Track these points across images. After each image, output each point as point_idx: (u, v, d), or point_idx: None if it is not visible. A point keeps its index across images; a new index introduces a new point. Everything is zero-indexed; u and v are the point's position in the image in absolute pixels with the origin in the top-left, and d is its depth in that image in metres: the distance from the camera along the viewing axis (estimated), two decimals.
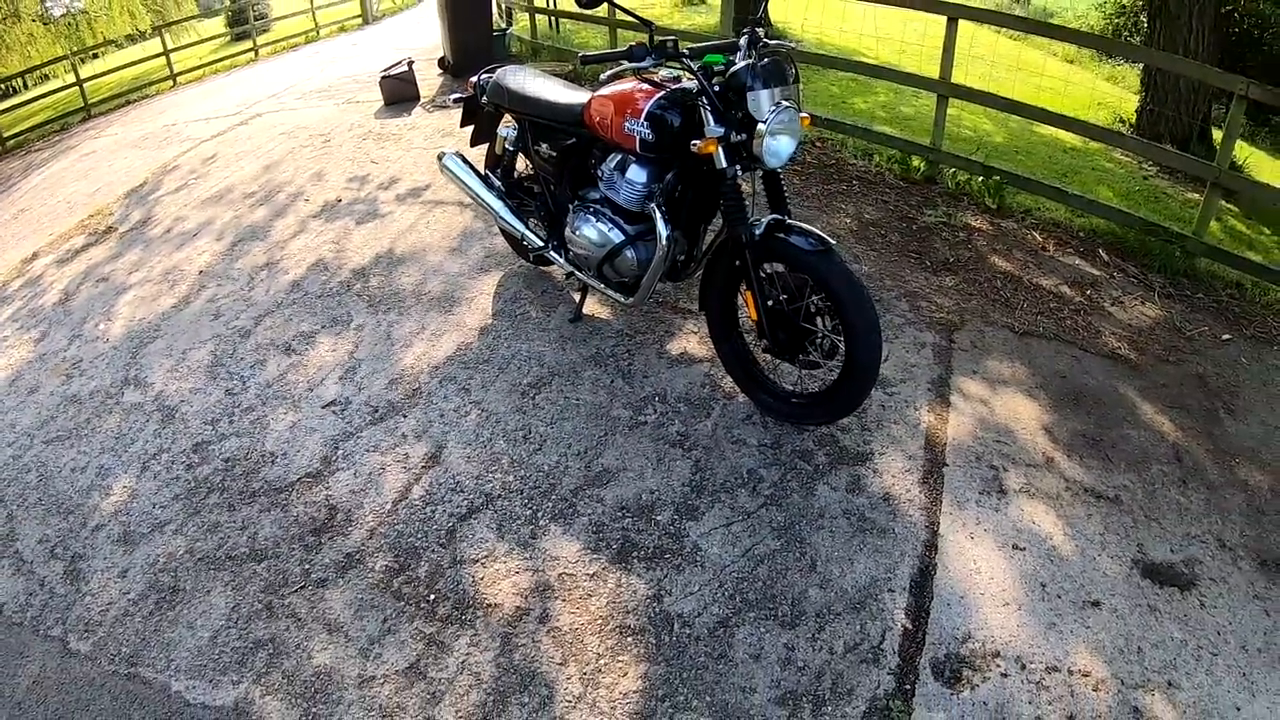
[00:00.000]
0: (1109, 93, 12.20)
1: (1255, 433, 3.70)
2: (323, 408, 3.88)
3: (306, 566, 3.08)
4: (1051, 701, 2.48)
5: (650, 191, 3.38)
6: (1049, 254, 5.18)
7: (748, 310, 3.28)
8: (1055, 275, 4.87)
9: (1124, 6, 14.31)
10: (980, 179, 5.87)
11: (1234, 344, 4.40)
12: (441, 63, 9.82)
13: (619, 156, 3.47)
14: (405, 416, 3.74)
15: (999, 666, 2.57)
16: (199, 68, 17.73)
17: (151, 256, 5.95)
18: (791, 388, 3.51)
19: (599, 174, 3.58)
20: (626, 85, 3.39)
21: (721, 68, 3.10)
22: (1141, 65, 10.15)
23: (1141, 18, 11.92)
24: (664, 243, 3.30)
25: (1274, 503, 3.31)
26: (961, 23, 5.71)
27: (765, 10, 3.31)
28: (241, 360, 4.35)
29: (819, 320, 3.18)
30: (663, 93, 3.23)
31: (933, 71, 5.99)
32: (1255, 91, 4.72)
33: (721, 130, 3.00)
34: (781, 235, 3.08)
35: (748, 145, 3.03)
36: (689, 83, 3.21)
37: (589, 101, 3.55)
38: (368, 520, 3.23)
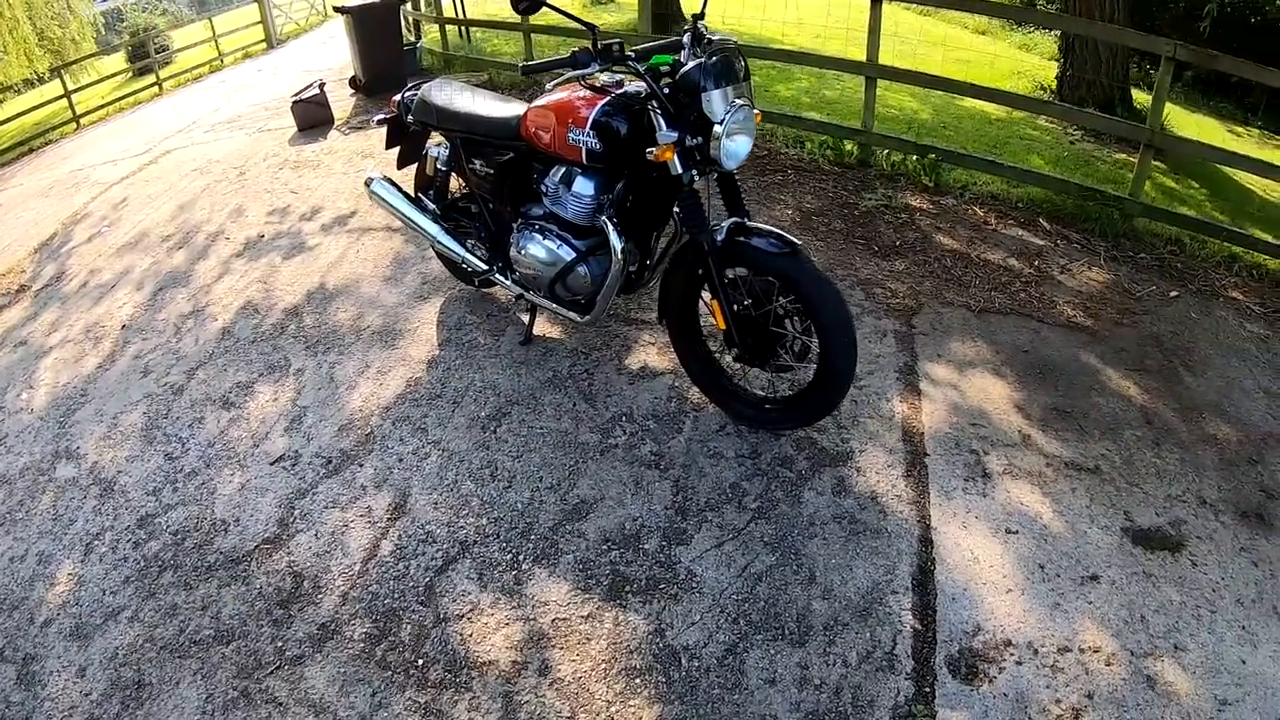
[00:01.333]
0: (1026, 60, 12.32)
1: (1216, 385, 3.76)
2: (271, 464, 3.65)
3: (279, 644, 2.87)
4: (1068, 683, 2.46)
5: (600, 204, 3.22)
6: (992, 228, 5.16)
7: (714, 319, 3.14)
8: (1001, 249, 4.85)
9: None
10: (915, 158, 5.83)
11: (1182, 299, 4.45)
12: (353, 82, 9.55)
13: (563, 169, 3.30)
14: (361, 465, 3.53)
15: (1012, 655, 2.53)
16: (102, 106, 17.06)
17: (70, 314, 5.63)
18: (763, 393, 3.39)
19: (542, 189, 3.40)
20: (565, 94, 3.22)
21: (668, 68, 2.95)
22: (1060, 32, 10.21)
23: None
24: (619, 256, 3.15)
25: (1243, 453, 3.35)
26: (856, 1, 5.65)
27: (705, 5, 3.15)
28: (178, 420, 4.10)
29: (788, 323, 3.06)
30: (607, 99, 3.07)
31: (854, 54, 5.93)
32: (1183, 53, 4.74)
33: (675, 135, 2.86)
34: (743, 239, 2.96)
35: (703, 148, 2.89)
36: (633, 86, 3.07)
37: (525, 113, 3.38)
38: (338, 585, 3.02)
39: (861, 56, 5.78)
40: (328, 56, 13.51)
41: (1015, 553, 2.85)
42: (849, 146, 6.15)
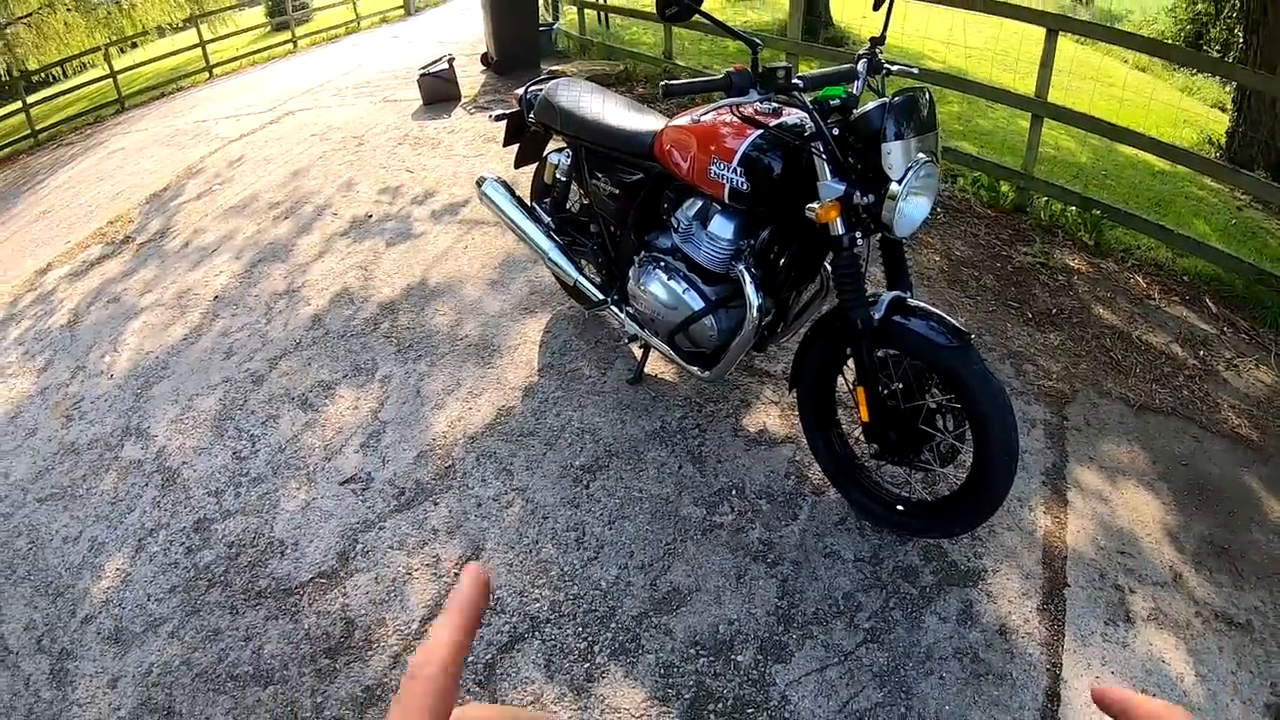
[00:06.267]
0: (1189, 108, 11.48)
1: None
2: (340, 484, 3.35)
3: (319, 699, 2.56)
4: None
5: (738, 249, 2.76)
6: (1155, 303, 4.60)
7: (857, 407, 2.67)
8: (1164, 331, 4.29)
9: (1198, 12, 13.57)
10: (1075, 210, 5.27)
11: None
12: (484, 59, 9.29)
13: (700, 203, 2.85)
14: (436, 504, 3.19)
15: None
16: (236, 59, 17.29)
17: (166, 275, 5.48)
18: (897, 492, 2.92)
19: (673, 221, 2.96)
20: (712, 116, 2.73)
21: (839, 102, 2.49)
22: (1235, 84, 9.41)
23: (1236, 30, 11.19)
24: (754, 314, 2.69)
25: None
26: (1015, 24, 5.12)
27: (886, 27, 2.68)
28: (252, 414, 3.85)
29: (939, 419, 2.59)
30: (761, 130, 2.59)
31: (1006, 80, 5.39)
32: None
33: (842, 189, 2.40)
34: (902, 319, 2.48)
35: (874, 208, 2.40)
36: (793, 116, 2.58)
37: (662, 131, 2.95)
38: (390, 643, 2.69)
39: (1016, 84, 5.24)
40: (464, 28, 13.33)
41: None
42: (1005, 189, 5.62)
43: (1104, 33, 5.74)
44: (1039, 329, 4.17)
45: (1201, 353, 4.16)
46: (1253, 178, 5.30)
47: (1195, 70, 14.04)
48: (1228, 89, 9.44)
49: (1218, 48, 12.76)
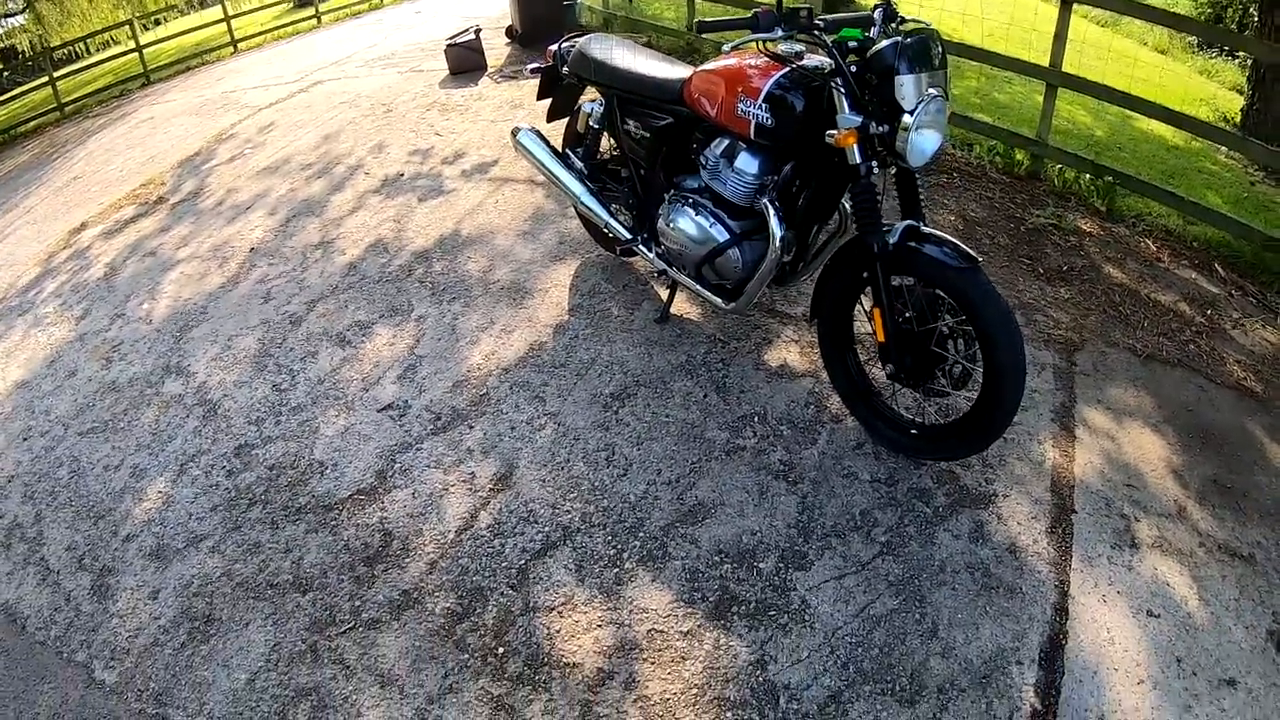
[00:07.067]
0: (1207, 88, 11.50)
1: None
2: (379, 411, 3.50)
3: (357, 603, 2.71)
4: None
5: (762, 184, 2.91)
6: (1164, 266, 4.68)
7: (874, 328, 2.80)
8: (1173, 291, 4.38)
9: None
10: (1089, 178, 5.37)
11: None
12: (509, 31, 9.42)
13: (727, 142, 2.99)
14: (471, 427, 3.33)
15: None
16: (260, 34, 17.42)
17: (201, 230, 5.63)
18: (911, 417, 3.06)
19: (701, 161, 3.10)
20: (738, 60, 2.91)
21: (856, 44, 2.62)
22: (1250, 60, 9.45)
23: (1251, 8, 11.20)
24: (777, 245, 2.85)
25: None
26: (1045, 5, 5.19)
27: None
28: (291, 351, 3.99)
29: (952, 344, 2.72)
30: (785, 70, 2.74)
31: (1027, 56, 5.47)
32: None
33: (859, 120, 2.54)
34: (917, 245, 2.62)
35: (888, 139, 2.55)
36: (814, 59, 2.73)
37: (691, 77, 3.10)
38: (427, 551, 2.84)
39: (1037, 60, 5.33)
40: (487, 3, 13.37)
41: (1153, 639, 2.49)
42: (1020, 156, 5.70)
43: (1119, 4, 5.80)
44: (1049, 284, 4.27)
45: (1209, 311, 4.24)
46: (1263, 146, 5.37)
47: (1214, 51, 14.06)
48: (1245, 70, 9.46)
49: (1234, 27, 12.77)
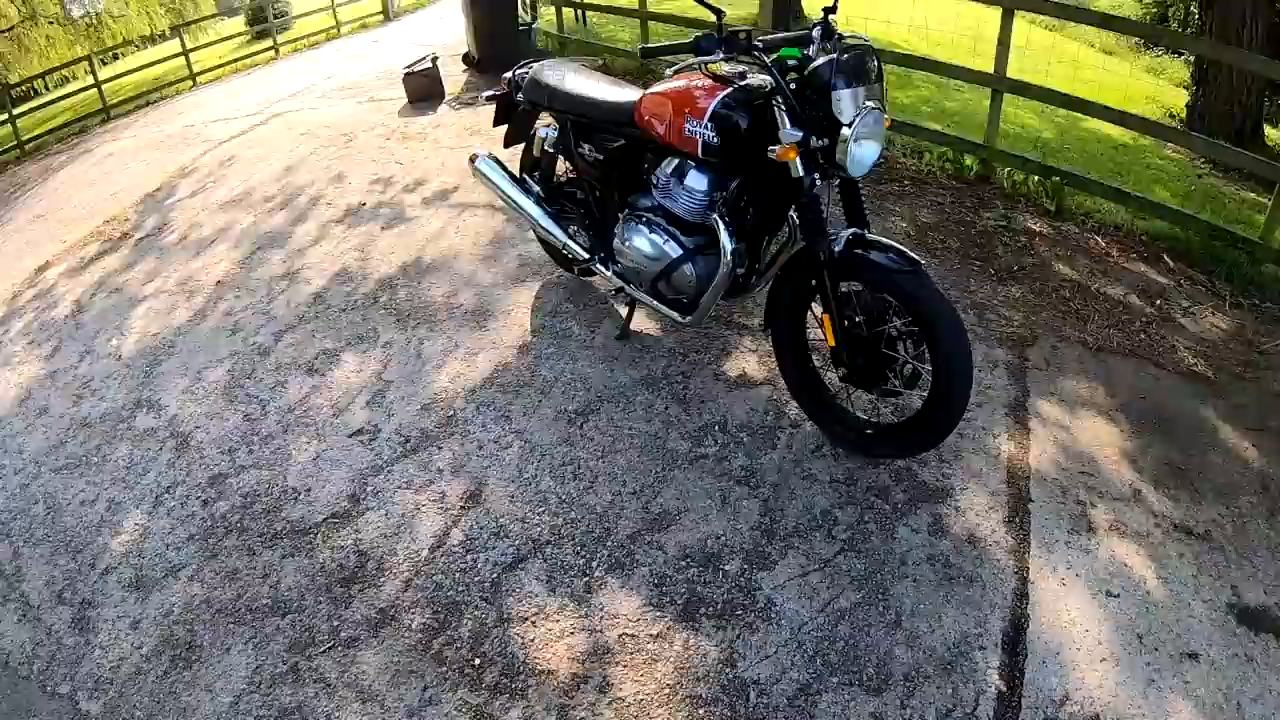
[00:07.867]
0: (1153, 86, 11.78)
1: None
2: (349, 437, 3.57)
3: (335, 623, 2.77)
4: None
5: (712, 200, 3.03)
6: (1113, 261, 4.83)
7: (823, 334, 2.93)
8: (1122, 284, 4.53)
9: None
10: (1037, 179, 5.53)
11: None
12: (466, 58, 9.53)
13: (677, 161, 3.11)
14: (440, 448, 3.42)
15: None
16: (219, 67, 17.45)
17: (167, 265, 5.67)
18: (866, 417, 3.17)
19: (653, 180, 3.22)
20: (684, 82, 3.04)
21: (795, 62, 2.74)
22: (1194, 58, 9.71)
23: (1192, 6, 11.50)
24: (728, 258, 2.96)
25: None
26: (990, 11, 5.36)
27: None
28: (260, 381, 4.05)
29: (901, 346, 2.85)
30: (728, 90, 2.87)
31: (977, 65, 5.63)
32: None
33: (800, 134, 2.65)
34: (862, 251, 2.75)
35: (829, 152, 2.68)
36: (756, 78, 2.87)
37: (641, 99, 3.21)
38: (402, 570, 2.91)
39: (986, 68, 5.49)
40: (443, 32, 13.53)
41: (1114, 618, 2.60)
42: (969, 161, 5.86)
43: (1057, 9, 5.98)
44: (1001, 283, 4.41)
45: (1158, 302, 4.38)
46: (1206, 140, 5.56)
47: (1160, 50, 14.39)
48: (1190, 66, 9.74)
49: (1176, 26, 13.09)
